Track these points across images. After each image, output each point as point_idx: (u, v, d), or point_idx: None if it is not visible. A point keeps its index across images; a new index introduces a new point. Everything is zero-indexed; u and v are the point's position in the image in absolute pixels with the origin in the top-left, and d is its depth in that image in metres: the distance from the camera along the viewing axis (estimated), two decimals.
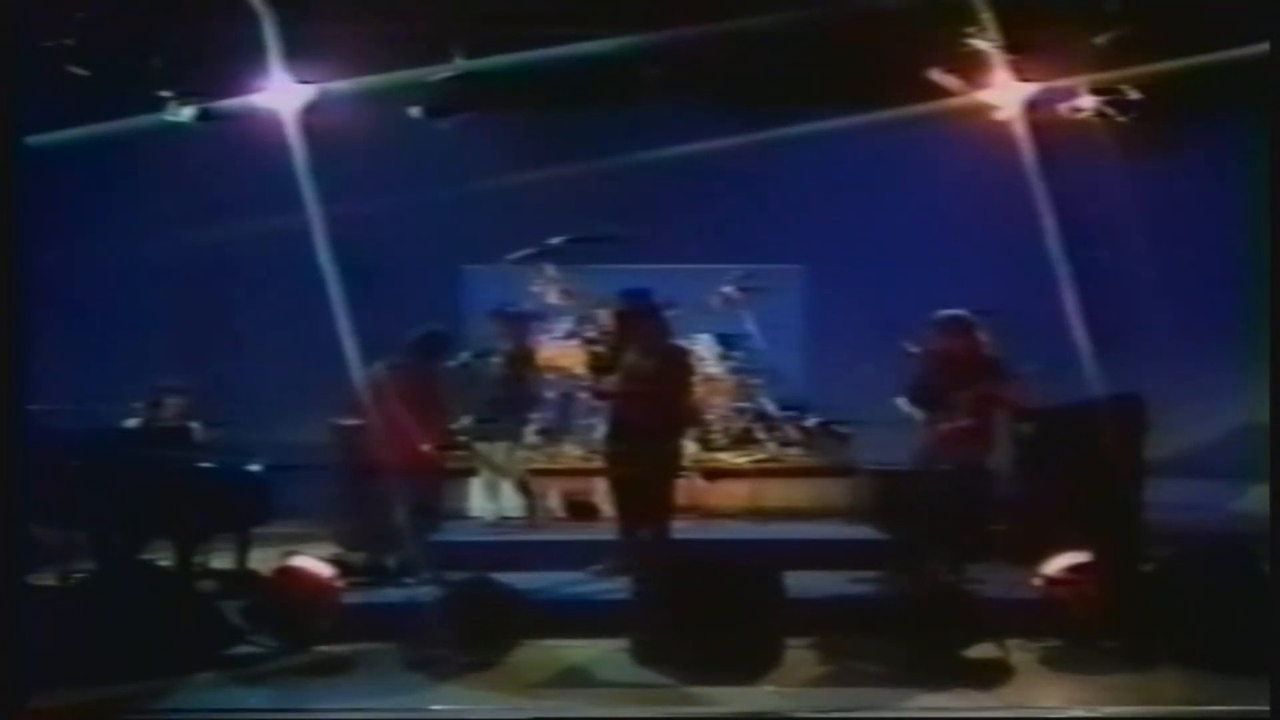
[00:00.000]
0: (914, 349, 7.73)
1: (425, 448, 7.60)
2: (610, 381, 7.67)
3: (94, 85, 8.71)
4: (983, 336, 7.59)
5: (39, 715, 5.20)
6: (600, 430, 8.40)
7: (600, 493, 8.53)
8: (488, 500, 8.89)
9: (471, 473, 8.95)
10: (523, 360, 8.94)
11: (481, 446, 8.81)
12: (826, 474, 9.32)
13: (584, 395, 9.12)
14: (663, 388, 7.45)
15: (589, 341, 9.29)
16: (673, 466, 7.72)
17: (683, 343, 8.28)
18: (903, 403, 7.71)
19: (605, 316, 9.07)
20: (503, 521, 8.74)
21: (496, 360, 8.82)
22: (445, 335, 8.07)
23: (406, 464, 7.39)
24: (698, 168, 9.82)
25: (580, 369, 9.07)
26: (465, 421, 8.76)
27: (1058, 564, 6.81)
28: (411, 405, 7.55)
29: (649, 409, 7.39)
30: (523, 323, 9.13)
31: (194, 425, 8.31)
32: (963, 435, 7.49)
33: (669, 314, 7.88)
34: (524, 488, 8.84)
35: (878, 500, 8.58)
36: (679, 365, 7.71)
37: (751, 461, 9.49)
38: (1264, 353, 6.93)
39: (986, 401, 7.53)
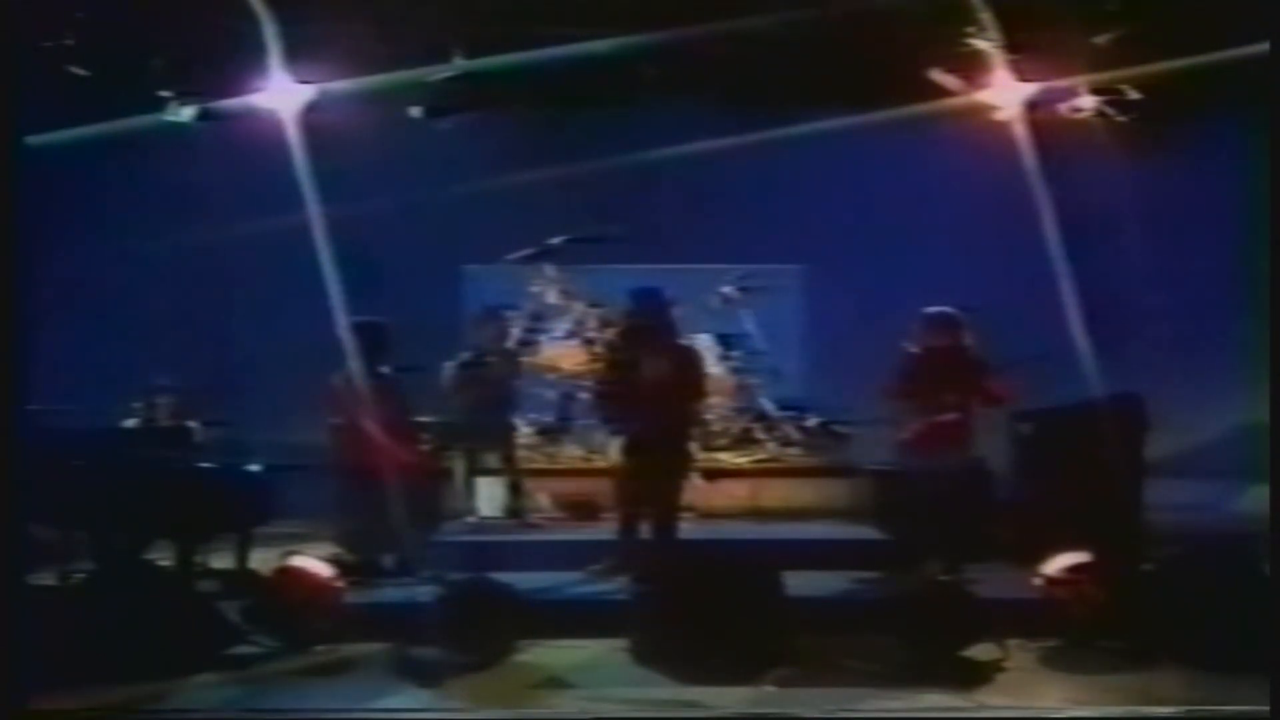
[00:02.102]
0: (913, 348, 7.74)
1: (394, 446, 7.59)
2: (620, 381, 7.65)
3: (94, 85, 8.71)
4: (969, 333, 7.62)
5: (39, 715, 5.21)
6: (602, 430, 8.40)
7: (599, 493, 8.51)
8: (467, 500, 8.87)
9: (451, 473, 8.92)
10: (510, 360, 8.91)
11: (469, 445, 8.80)
12: (826, 474, 9.33)
13: (585, 395, 9.13)
14: (676, 387, 7.45)
15: (590, 341, 9.30)
16: (683, 466, 7.72)
17: (692, 342, 8.26)
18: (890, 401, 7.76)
19: (606, 316, 9.10)
20: (483, 522, 8.74)
21: (490, 360, 8.79)
22: (378, 328, 7.89)
23: (383, 463, 7.40)
24: (698, 168, 9.82)
25: (582, 369, 9.08)
26: (452, 421, 8.76)
27: (1058, 564, 6.80)
28: (375, 404, 7.56)
29: (661, 409, 7.39)
30: (506, 322, 9.09)
31: (194, 425, 8.31)
32: (950, 431, 7.51)
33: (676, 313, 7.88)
34: (516, 488, 8.84)
35: (877, 500, 8.59)
36: (692, 365, 7.71)
37: (751, 461, 9.50)
38: (1264, 353, 6.92)
39: (975, 397, 7.55)
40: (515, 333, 9.13)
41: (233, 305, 10.53)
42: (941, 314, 7.70)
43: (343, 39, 8.62)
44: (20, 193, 4.96)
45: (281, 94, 8.69)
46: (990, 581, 7.12)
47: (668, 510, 7.50)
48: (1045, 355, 7.62)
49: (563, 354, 9.31)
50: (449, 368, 8.70)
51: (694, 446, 8.22)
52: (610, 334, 8.74)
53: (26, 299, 5.03)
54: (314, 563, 6.84)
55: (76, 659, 5.88)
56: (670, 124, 9.64)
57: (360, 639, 6.56)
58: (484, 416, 8.72)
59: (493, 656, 6.32)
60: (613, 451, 7.84)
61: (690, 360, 7.73)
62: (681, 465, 7.72)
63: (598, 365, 8.46)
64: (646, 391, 7.41)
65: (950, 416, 7.52)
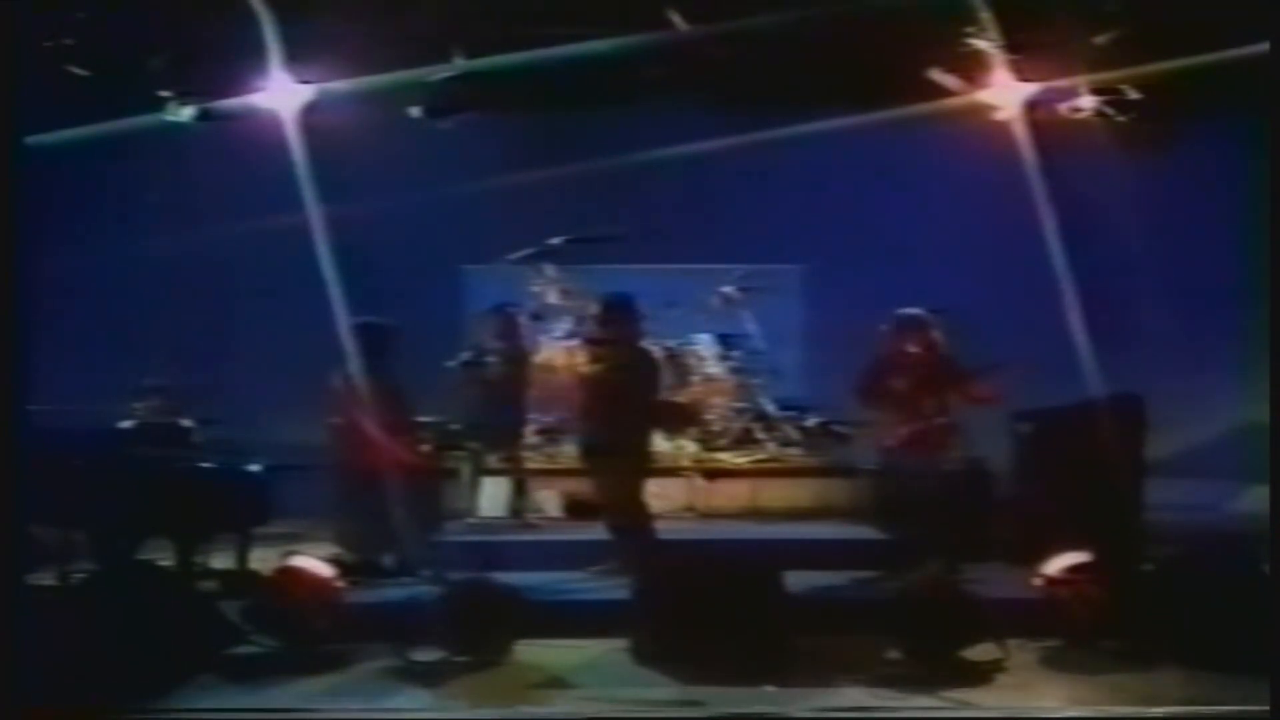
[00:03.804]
0: (885, 350, 7.75)
1: (394, 446, 7.59)
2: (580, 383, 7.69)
3: (94, 85, 8.71)
4: (940, 334, 7.63)
5: (39, 716, 5.20)
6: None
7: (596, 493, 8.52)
8: (472, 500, 8.89)
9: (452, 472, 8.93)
10: (518, 360, 8.93)
11: (474, 445, 8.82)
12: (826, 474, 9.33)
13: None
14: (632, 392, 7.49)
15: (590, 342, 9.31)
16: (637, 468, 7.67)
17: (647, 346, 8.22)
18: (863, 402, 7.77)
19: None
20: (484, 522, 8.76)
21: (492, 360, 8.80)
22: (384, 328, 7.94)
23: (383, 463, 7.42)
24: (698, 168, 9.82)
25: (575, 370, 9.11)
26: (457, 420, 8.77)
27: (1058, 564, 6.80)
28: (375, 404, 7.58)
29: (609, 410, 7.45)
30: (514, 320, 9.10)
31: (193, 425, 8.31)
32: (930, 433, 7.52)
33: (636, 316, 7.81)
34: (519, 487, 8.85)
35: (877, 500, 8.60)
36: (649, 370, 7.74)
37: (751, 461, 9.50)
38: (1264, 353, 6.93)
39: (956, 398, 7.56)
40: (523, 331, 9.13)
41: (232, 305, 10.54)
42: (910, 316, 7.70)
43: (343, 39, 8.61)
44: (20, 193, 4.96)
45: (281, 94, 8.68)
46: (990, 581, 7.13)
47: (644, 509, 7.53)
48: (1016, 362, 7.59)
49: (563, 354, 9.30)
50: (454, 366, 8.72)
51: (651, 450, 8.16)
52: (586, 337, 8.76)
53: (26, 299, 5.03)
54: (314, 563, 6.83)
55: (76, 659, 5.88)
56: (670, 124, 9.64)
57: (360, 639, 6.56)
58: (491, 415, 8.73)
59: (493, 656, 6.33)
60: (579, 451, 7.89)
61: (647, 366, 7.75)
62: (640, 466, 7.69)
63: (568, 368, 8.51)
64: (603, 395, 7.47)
65: (929, 417, 7.53)
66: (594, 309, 8.01)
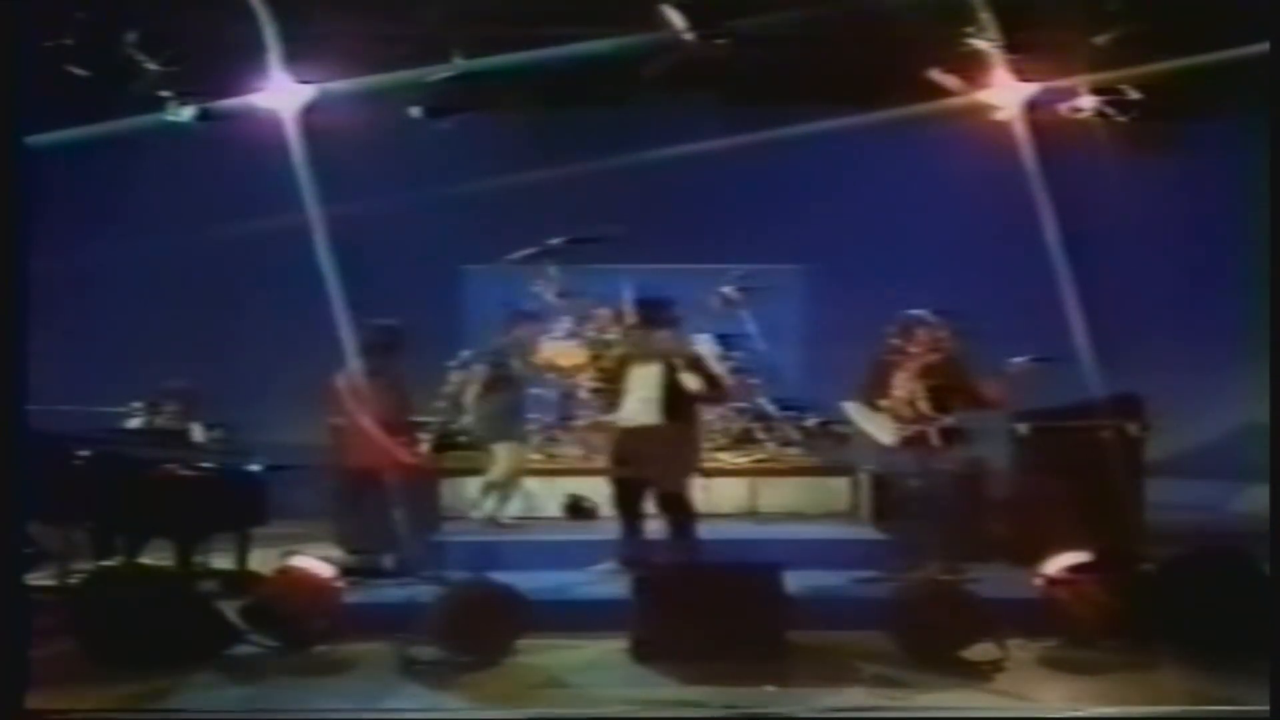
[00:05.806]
0: (892, 351, 7.75)
1: (395, 446, 7.60)
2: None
3: (94, 85, 8.71)
4: (944, 336, 7.62)
5: (38, 715, 5.21)
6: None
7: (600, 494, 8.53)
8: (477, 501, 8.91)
9: (462, 473, 8.93)
10: (531, 361, 8.94)
11: (475, 446, 8.83)
12: (826, 474, 9.33)
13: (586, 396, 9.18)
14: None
15: (591, 342, 9.31)
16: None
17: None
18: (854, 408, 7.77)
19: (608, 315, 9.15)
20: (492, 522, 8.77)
21: (509, 360, 8.80)
22: (394, 330, 7.98)
23: (381, 463, 7.42)
24: (698, 168, 9.82)
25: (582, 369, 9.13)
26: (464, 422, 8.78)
27: (1058, 564, 6.80)
28: (379, 404, 7.58)
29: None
30: (532, 323, 9.12)
31: (194, 426, 8.32)
32: (932, 434, 7.51)
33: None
34: (519, 488, 8.87)
35: (877, 500, 8.61)
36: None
37: (751, 461, 9.50)
38: (1264, 352, 6.93)
39: (960, 400, 7.55)
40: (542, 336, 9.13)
41: (230, 306, 10.54)
42: (915, 317, 7.70)
43: (343, 39, 8.62)
44: (20, 193, 4.96)
45: (281, 94, 8.68)
46: (990, 581, 7.13)
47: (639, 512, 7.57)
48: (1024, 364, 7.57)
49: (563, 354, 9.31)
50: (470, 369, 8.73)
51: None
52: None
53: (27, 299, 5.03)
54: (314, 563, 6.83)
55: (76, 659, 5.88)
56: (670, 124, 9.64)
57: (360, 639, 6.56)
58: (490, 415, 8.74)
59: (493, 656, 6.33)
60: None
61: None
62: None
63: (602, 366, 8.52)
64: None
65: (931, 418, 7.52)
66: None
